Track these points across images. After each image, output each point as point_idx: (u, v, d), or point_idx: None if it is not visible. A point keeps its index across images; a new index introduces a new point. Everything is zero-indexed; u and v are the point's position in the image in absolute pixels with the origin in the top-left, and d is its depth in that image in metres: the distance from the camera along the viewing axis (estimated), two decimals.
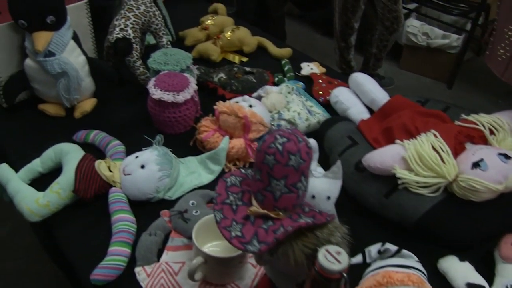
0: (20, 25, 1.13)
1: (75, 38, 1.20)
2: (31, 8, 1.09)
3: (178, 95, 1.12)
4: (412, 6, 3.18)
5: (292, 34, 3.43)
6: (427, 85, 3.10)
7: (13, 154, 1.15)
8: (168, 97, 1.11)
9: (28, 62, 1.18)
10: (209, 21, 1.55)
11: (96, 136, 1.14)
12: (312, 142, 0.91)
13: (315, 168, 0.97)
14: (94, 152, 1.10)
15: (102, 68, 1.25)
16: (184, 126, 1.19)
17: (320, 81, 1.34)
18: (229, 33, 1.48)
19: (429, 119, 1.03)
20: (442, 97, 2.88)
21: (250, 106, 1.11)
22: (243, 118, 1.07)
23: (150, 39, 1.51)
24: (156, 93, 1.12)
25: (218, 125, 1.13)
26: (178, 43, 1.55)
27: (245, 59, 1.48)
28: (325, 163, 1.04)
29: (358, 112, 1.16)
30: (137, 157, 1.01)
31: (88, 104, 1.25)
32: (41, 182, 1.05)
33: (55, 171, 1.05)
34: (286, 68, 1.42)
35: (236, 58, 1.47)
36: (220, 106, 1.11)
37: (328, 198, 0.86)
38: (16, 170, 1.07)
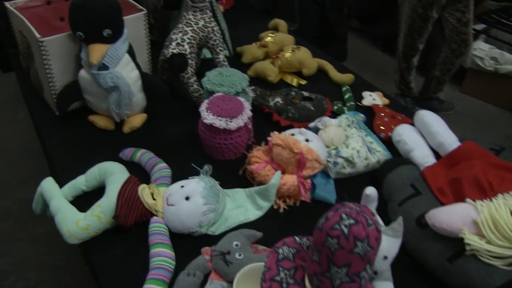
0: (77, 36, 1.10)
1: (130, 51, 1.16)
2: (89, 20, 1.06)
3: (231, 122, 1.06)
4: (480, 27, 3.01)
5: (351, 48, 3.32)
6: (491, 112, 2.93)
7: (59, 164, 1.13)
8: (220, 123, 1.05)
9: (82, 73, 1.15)
10: (268, 38, 1.49)
11: (142, 156, 1.10)
12: (372, 191, 0.84)
13: None
14: (139, 172, 1.06)
15: (155, 85, 1.20)
16: (235, 153, 1.13)
17: (383, 114, 1.25)
18: (289, 53, 1.41)
19: (505, 173, 0.93)
20: (506, 126, 2.72)
21: (307, 140, 1.03)
22: (298, 154, 1.00)
23: (206, 53, 1.46)
24: (208, 117, 1.06)
25: (271, 157, 1.07)
26: (235, 59, 1.49)
27: (303, 82, 1.41)
28: (383, 211, 0.96)
29: (422, 156, 1.07)
30: (182, 186, 0.95)
31: (137, 120, 1.21)
32: (84, 199, 1.02)
33: (99, 189, 1.01)
34: (346, 96, 1.34)
35: (294, 81, 1.40)
36: (274, 138, 1.04)
37: (385, 257, 0.78)
38: (61, 182, 1.04)
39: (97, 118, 1.21)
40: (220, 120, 1.06)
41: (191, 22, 1.24)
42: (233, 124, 1.06)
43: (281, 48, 1.49)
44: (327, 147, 1.10)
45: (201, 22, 1.24)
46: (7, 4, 1.30)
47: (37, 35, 1.13)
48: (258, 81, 1.40)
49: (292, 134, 1.06)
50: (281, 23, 1.59)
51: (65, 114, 1.22)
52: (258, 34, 1.59)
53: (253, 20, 1.78)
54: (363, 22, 3.60)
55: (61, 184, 1.04)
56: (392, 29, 3.21)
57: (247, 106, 1.11)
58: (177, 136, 1.21)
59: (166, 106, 1.28)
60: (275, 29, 1.61)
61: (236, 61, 1.47)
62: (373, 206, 0.88)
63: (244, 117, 1.08)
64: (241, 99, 1.12)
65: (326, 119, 1.14)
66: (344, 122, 1.17)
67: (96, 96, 1.17)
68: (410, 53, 2.56)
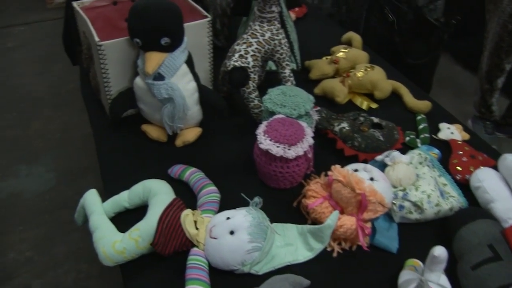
0: (135, 43, 1.04)
1: (189, 62, 1.09)
2: (147, 27, 1.00)
3: (289, 149, 0.97)
4: None
5: None
6: None
7: (107, 172, 1.09)
8: (277, 150, 0.96)
9: (138, 81, 1.09)
10: (340, 54, 1.37)
11: (192, 175, 1.02)
12: (441, 253, 0.73)
13: (438, 279, 0.78)
14: (186, 191, 1.01)
15: (213, 100, 1.13)
16: (291, 182, 1.04)
17: (461, 152, 1.11)
18: (361, 72, 1.29)
19: None
20: None
21: (372, 179, 0.92)
22: (360, 195, 0.89)
23: (271, 65, 1.37)
24: (264, 142, 0.97)
25: (329, 192, 0.96)
26: (302, 73, 1.39)
27: (374, 106, 1.29)
28: (452, 270, 0.84)
29: (505, 209, 0.92)
30: (228, 218, 0.87)
31: (191, 134, 1.14)
32: (125, 215, 0.98)
33: (143, 207, 0.96)
34: (421, 127, 1.20)
35: (364, 104, 1.28)
36: (335, 173, 0.93)
37: None
38: (105, 192, 1.01)
39: (149, 128, 1.16)
40: (278, 146, 0.96)
41: (257, 33, 1.15)
42: (291, 153, 0.97)
43: (353, 66, 1.37)
44: (394, 187, 0.98)
45: (268, 34, 1.15)
46: (74, 3, 1.27)
47: (96, 38, 1.09)
48: (324, 100, 1.29)
49: (356, 170, 0.95)
50: (356, 38, 1.47)
51: (118, 121, 1.17)
52: (329, 48, 1.49)
53: (326, 31, 1.67)
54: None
55: (105, 195, 1.00)
56: (474, 46, 2.98)
57: (309, 132, 1.01)
58: (231, 154, 1.13)
59: (223, 121, 1.20)
60: (349, 43, 1.50)
61: (302, 76, 1.37)
62: (440, 268, 0.76)
63: (305, 145, 0.98)
64: (304, 123, 1.02)
65: (396, 154, 1.02)
66: (416, 159, 1.04)
67: (150, 106, 1.11)
68: (494, 74, 2.35)
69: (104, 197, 0.99)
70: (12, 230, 1.98)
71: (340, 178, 0.92)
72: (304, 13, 1.68)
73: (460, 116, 2.50)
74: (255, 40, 1.15)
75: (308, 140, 1.00)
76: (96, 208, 0.95)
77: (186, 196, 0.97)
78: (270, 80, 1.26)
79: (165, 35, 1.01)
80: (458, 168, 1.07)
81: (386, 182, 0.94)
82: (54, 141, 2.47)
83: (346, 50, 1.38)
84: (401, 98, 1.31)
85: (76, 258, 1.86)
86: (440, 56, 2.44)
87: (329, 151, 1.13)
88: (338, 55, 1.37)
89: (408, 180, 0.98)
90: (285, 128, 0.99)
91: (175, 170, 1.05)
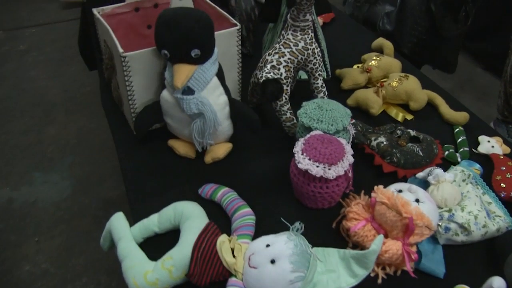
0: (162, 55, 0.98)
1: (220, 74, 1.03)
2: (176, 38, 0.94)
3: (329, 169, 0.91)
4: None
5: None
6: None
7: (133, 190, 1.03)
8: (317, 170, 0.90)
9: (165, 94, 1.04)
10: (372, 62, 1.31)
11: (224, 196, 0.97)
12: (500, 284, 0.67)
13: None
14: (218, 213, 0.95)
15: (245, 114, 1.07)
16: (329, 202, 0.98)
17: (504, 168, 1.05)
18: (395, 82, 1.23)
19: None
20: None
21: (417, 200, 0.86)
22: (407, 219, 0.83)
23: (302, 74, 1.31)
24: (303, 162, 0.91)
25: (372, 214, 0.90)
26: (333, 82, 1.33)
27: (409, 117, 1.23)
28: None
29: None
30: (268, 245, 0.81)
31: (221, 150, 1.08)
32: (155, 240, 0.92)
33: (174, 232, 0.91)
34: (459, 140, 1.14)
35: (400, 116, 1.21)
36: (379, 194, 0.87)
37: None
38: (132, 214, 0.96)
39: (177, 143, 1.10)
40: (317, 166, 0.91)
41: (290, 43, 1.09)
42: (332, 173, 0.91)
43: (386, 75, 1.31)
44: (439, 207, 0.92)
45: (301, 44, 1.09)
46: (94, 10, 1.21)
47: (120, 49, 1.03)
48: (357, 111, 1.23)
49: (400, 191, 0.89)
50: (387, 45, 1.41)
51: (143, 136, 1.11)
52: (358, 54, 1.42)
53: (354, 37, 1.60)
54: (467, 36, 3.29)
55: (132, 217, 0.95)
56: (495, 46, 2.90)
57: (349, 150, 0.95)
58: (264, 171, 1.07)
59: (254, 135, 1.14)
60: (379, 50, 1.43)
61: (334, 85, 1.31)
62: None
63: (345, 164, 0.92)
64: (343, 140, 0.96)
65: (439, 172, 0.96)
66: (459, 177, 0.99)
67: (178, 120, 1.05)
68: None
69: (129, 218, 0.94)
70: (27, 241, 1.94)
71: (384, 201, 0.86)
72: (331, 18, 1.62)
73: (484, 119, 2.45)
74: (288, 50, 1.09)
75: (349, 158, 0.94)
76: (124, 233, 0.89)
77: (218, 218, 0.92)
78: (300, 90, 1.20)
79: (196, 46, 0.95)
80: (502, 185, 1.01)
81: (432, 204, 0.88)
82: (69, 147, 2.43)
83: (378, 58, 1.32)
84: (436, 108, 1.24)
85: (95, 270, 1.81)
86: (466, 33, 2.33)
87: (366, 167, 1.08)
88: (370, 63, 1.31)
89: (453, 201, 0.92)
90: (324, 146, 0.93)
91: (206, 190, 0.99)
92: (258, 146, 1.13)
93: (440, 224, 0.90)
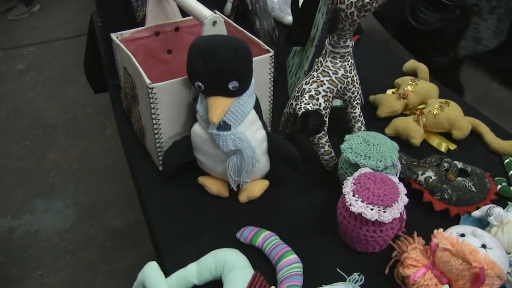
0: (196, 87, 0.89)
1: (257, 107, 0.94)
2: (214, 71, 0.85)
3: (384, 212, 0.82)
4: None
5: (464, 78, 2.98)
6: None
7: (162, 236, 0.93)
8: (371, 213, 0.82)
9: (197, 129, 0.95)
10: (408, 87, 1.23)
11: (266, 241, 0.88)
12: None
13: None
14: (261, 261, 0.86)
15: (285, 150, 0.98)
16: (381, 246, 0.89)
17: None
18: (436, 109, 1.15)
19: None
20: None
21: (484, 246, 0.78)
22: (477, 268, 0.74)
23: (335, 101, 1.23)
24: (356, 205, 0.83)
25: (431, 260, 0.82)
26: (367, 109, 1.24)
27: (453, 147, 1.14)
28: None
29: None
30: None
31: (257, 188, 1.00)
32: None
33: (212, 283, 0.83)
34: (511, 172, 1.06)
35: (443, 146, 1.13)
36: (441, 239, 0.79)
37: None
38: (163, 263, 0.86)
39: (208, 181, 1.01)
40: (372, 209, 0.82)
41: (329, 71, 1.01)
42: (388, 216, 0.82)
43: (423, 101, 1.23)
44: (507, 253, 0.83)
45: (341, 71, 1.01)
46: (113, 36, 1.13)
47: (147, 80, 0.94)
48: (395, 141, 1.14)
49: (462, 235, 0.80)
50: (422, 68, 1.33)
51: (171, 174, 1.02)
52: (389, 78, 1.35)
53: (383, 59, 1.52)
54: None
55: (164, 266, 0.85)
56: (510, 59, 2.85)
57: (403, 189, 0.86)
58: (304, 209, 0.99)
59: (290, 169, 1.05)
60: (412, 74, 1.35)
61: (368, 113, 1.22)
62: None
63: (400, 206, 0.84)
64: (394, 178, 0.88)
65: (501, 212, 0.88)
66: None
67: (211, 157, 0.96)
68: None
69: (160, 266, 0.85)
70: (31, 275, 1.83)
71: (448, 247, 0.78)
72: (357, 38, 1.54)
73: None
74: (327, 78, 1.00)
75: (403, 199, 0.85)
76: (161, 286, 0.80)
77: (261, 266, 0.84)
78: (333, 118, 1.11)
79: (234, 78, 0.86)
80: None
81: (501, 250, 0.79)
82: (71, 172, 2.33)
83: (414, 83, 1.24)
84: (481, 137, 1.16)
85: None
86: (463, 61, 2.19)
87: (413, 203, 0.99)
88: (406, 88, 1.23)
89: None
90: (377, 186, 0.84)
91: (246, 234, 0.90)
92: (295, 181, 1.05)
93: (510, 272, 0.81)
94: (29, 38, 3.54)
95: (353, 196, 0.84)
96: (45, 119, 2.69)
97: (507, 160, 1.10)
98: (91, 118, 2.68)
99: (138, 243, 1.91)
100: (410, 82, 1.24)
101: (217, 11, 1.17)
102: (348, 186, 0.86)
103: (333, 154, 1.04)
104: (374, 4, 0.89)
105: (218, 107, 0.88)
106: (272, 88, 1.10)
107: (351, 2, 0.89)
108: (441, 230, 0.82)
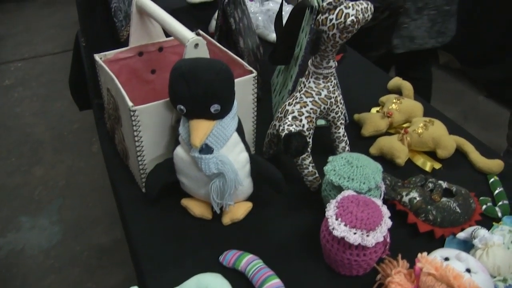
0: (177, 110, 0.89)
1: (239, 129, 0.94)
2: (195, 94, 0.85)
3: (367, 236, 0.81)
4: None
5: (450, 92, 3.01)
6: None
7: (144, 260, 0.92)
8: (355, 238, 0.81)
9: (179, 152, 0.94)
10: (393, 105, 1.23)
11: (249, 264, 0.87)
12: None
13: None
14: (244, 285, 0.85)
15: (268, 173, 0.97)
16: (365, 269, 0.89)
17: None
18: (420, 128, 1.15)
19: None
20: None
21: (468, 270, 0.78)
22: None
23: (319, 120, 1.23)
24: (338, 229, 0.82)
25: (415, 284, 0.81)
26: (351, 128, 1.24)
27: (438, 166, 1.14)
28: None
29: None
30: None
31: (241, 210, 0.99)
32: None
33: None
34: (496, 192, 1.06)
35: (428, 165, 1.13)
36: (425, 263, 0.78)
37: None
38: (146, 285, 0.86)
39: (191, 203, 1.00)
40: (355, 233, 0.81)
41: (312, 92, 1.00)
42: (371, 240, 0.81)
43: (408, 119, 1.23)
44: (492, 276, 0.83)
45: (324, 92, 1.01)
46: (96, 56, 1.12)
47: (129, 103, 0.94)
48: (380, 161, 1.14)
49: (447, 259, 0.80)
50: (406, 86, 1.33)
51: (155, 197, 1.01)
52: (374, 96, 1.35)
53: (367, 76, 1.53)
54: (463, 62, 3.27)
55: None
56: (496, 73, 2.88)
57: (386, 212, 0.86)
58: (288, 232, 0.98)
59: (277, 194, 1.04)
60: (397, 92, 1.36)
61: (353, 131, 1.22)
62: None
63: (384, 229, 0.83)
64: (377, 200, 0.88)
65: (486, 235, 0.87)
66: (508, 238, 0.90)
67: (194, 180, 0.95)
68: None
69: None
70: None
71: (432, 272, 0.77)
72: (341, 56, 1.55)
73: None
74: (310, 99, 1.00)
75: (387, 222, 0.85)
76: None
77: None
78: (318, 137, 1.11)
79: (216, 101, 0.86)
80: None
81: (486, 274, 0.79)
82: (58, 189, 2.31)
83: (398, 101, 1.24)
84: (466, 156, 1.16)
85: None
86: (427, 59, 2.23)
87: (398, 225, 0.98)
88: (390, 107, 1.23)
89: (508, 268, 0.84)
90: (360, 209, 0.84)
91: (228, 258, 0.89)
92: (279, 203, 1.04)
93: None
94: (16, 54, 3.52)
95: (336, 219, 0.83)
96: (32, 135, 2.66)
97: (492, 180, 1.10)
98: (78, 134, 2.66)
99: (124, 261, 1.88)
100: (394, 101, 1.24)
101: (200, 31, 1.18)
102: (331, 210, 0.85)
103: (317, 175, 1.03)
104: (356, 26, 0.89)
105: (200, 130, 0.87)
106: (255, 109, 1.09)
107: (333, 24, 0.90)
108: (425, 254, 0.81)
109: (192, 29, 1.19)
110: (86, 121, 2.66)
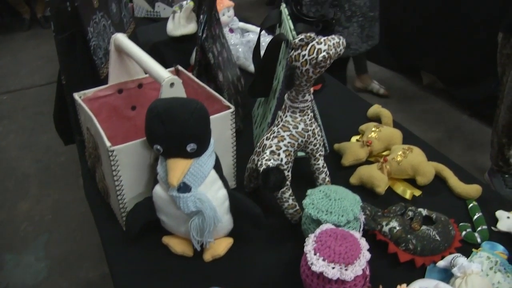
0: (154, 150, 0.89)
1: (217, 166, 0.95)
2: (171, 134, 0.86)
3: (346, 270, 0.82)
4: None
5: (434, 112, 3.04)
6: None
7: None
8: (333, 272, 0.81)
9: (158, 190, 0.94)
10: (372, 134, 1.25)
11: None
12: None
13: None
14: None
15: (247, 208, 0.98)
16: None
17: None
18: (399, 156, 1.16)
19: None
20: None
21: None
22: None
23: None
24: (317, 264, 0.82)
25: None
26: (332, 158, 1.25)
27: (418, 193, 1.15)
28: None
29: None
30: None
31: (221, 246, 0.99)
32: None
33: None
34: (475, 217, 1.07)
35: (408, 193, 1.14)
36: None
37: None
38: None
39: (172, 241, 1.00)
40: (333, 268, 0.82)
41: (289, 126, 1.02)
42: (350, 274, 0.82)
43: (387, 147, 1.24)
44: None
45: (301, 125, 1.02)
46: (75, 95, 1.13)
47: (107, 143, 0.94)
48: (361, 190, 1.15)
49: None
50: (385, 114, 1.35)
51: (135, 236, 1.01)
52: (354, 124, 1.36)
53: (347, 104, 1.54)
54: (446, 82, 3.32)
55: None
56: (480, 93, 2.92)
57: (365, 245, 0.86)
58: (269, 266, 0.98)
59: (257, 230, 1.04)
60: (376, 119, 1.37)
61: (333, 161, 1.23)
62: None
63: (362, 262, 0.84)
64: (356, 233, 0.88)
65: (465, 263, 0.88)
66: (486, 265, 0.91)
67: (174, 218, 0.96)
68: None
69: None
70: None
71: None
72: (321, 85, 1.56)
73: (476, 169, 2.43)
74: (288, 133, 1.01)
75: (365, 255, 0.85)
76: None
77: None
78: (298, 168, 1.11)
79: (192, 141, 0.87)
80: None
81: None
82: (44, 224, 2.29)
83: (377, 129, 1.25)
84: (445, 181, 1.17)
85: None
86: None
87: (379, 255, 0.99)
88: (370, 135, 1.24)
89: None
90: (338, 243, 0.84)
91: None
92: (260, 237, 1.04)
93: None
94: (2, 87, 3.52)
95: (315, 254, 0.84)
96: (17, 169, 2.65)
97: (471, 205, 1.11)
98: (65, 166, 2.65)
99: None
100: (373, 129, 1.26)
101: (179, 66, 1.19)
102: (309, 244, 0.86)
103: (297, 207, 1.04)
104: (327, 61, 0.91)
105: (177, 169, 0.88)
106: (234, 143, 1.10)
107: (306, 60, 0.91)
108: (404, 285, 0.82)
109: (172, 63, 1.21)
110: (73, 153, 2.63)
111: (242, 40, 1.75)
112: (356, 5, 2.11)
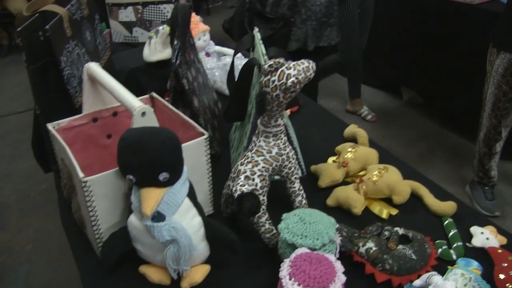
0: (127, 180, 0.89)
1: (191, 194, 0.95)
2: (143, 164, 0.86)
3: None
4: None
5: (415, 126, 3.08)
6: None
7: None
8: None
9: (132, 220, 0.94)
10: (348, 154, 1.26)
11: None
12: None
13: None
14: None
15: (223, 236, 0.98)
16: None
17: (506, 264, 0.98)
18: (375, 176, 1.17)
19: None
20: None
21: None
22: None
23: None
24: None
25: None
26: (309, 180, 1.26)
27: (394, 212, 1.16)
28: None
29: None
30: None
31: (199, 274, 0.98)
32: None
33: None
34: (451, 234, 1.08)
35: (384, 212, 1.15)
36: None
37: None
38: None
39: (149, 270, 0.99)
40: None
41: (263, 151, 1.02)
42: None
43: (363, 167, 1.25)
44: None
45: (275, 150, 1.02)
46: (49, 126, 1.12)
47: (80, 174, 0.94)
48: (337, 211, 1.16)
49: None
50: (361, 134, 1.36)
51: (112, 266, 1.00)
52: (330, 144, 1.37)
53: (324, 125, 1.56)
54: (425, 97, 3.37)
55: None
56: (458, 106, 2.96)
57: (340, 268, 0.87)
58: None
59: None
60: (352, 139, 1.39)
61: (309, 183, 1.24)
62: None
63: (338, 285, 0.84)
64: (331, 256, 0.88)
65: (438, 281, 0.88)
66: (461, 282, 0.91)
67: (149, 247, 0.95)
68: (492, 137, 2.29)
69: None
70: None
71: None
72: (297, 109, 1.58)
73: (456, 182, 2.46)
74: (261, 158, 1.02)
75: (340, 278, 0.85)
76: None
77: None
78: (275, 190, 1.12)
79: (164, 170, 0.87)
80: (509, 285, 0.94)
81: None
82: (24, 254, 2.25)
83: (353, 149, 1.26)
84: (421, 199, 1.18)
85: None
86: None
87: (356, 276, 0.99)
88: (346, 156, 1.25)
89: None
90: (313, 267, 0.84)
91: None
92: (237, 263, 1.04)
93: None
94: None
95: (290, 279, 0.84)
96: None
97: (446, 222, 1.12)
98: (46, 194, 2.63)
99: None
100: (349, 149, 1.27)
101: (154, 93, 1.19)
102: (284, 269, 0.86)
103: (274, 231, 1.04)
104: (297, 86, 0.92)
105: (151, 199, 0.88)
106: (210, 169, 1.11)
107: (276, 85, 0.92)
108: None
109: (147, 89, 1.21)
110: (53, 181, 2.63)
111: (219, 64, 1.76)
112: (311, 10, 2.45)
